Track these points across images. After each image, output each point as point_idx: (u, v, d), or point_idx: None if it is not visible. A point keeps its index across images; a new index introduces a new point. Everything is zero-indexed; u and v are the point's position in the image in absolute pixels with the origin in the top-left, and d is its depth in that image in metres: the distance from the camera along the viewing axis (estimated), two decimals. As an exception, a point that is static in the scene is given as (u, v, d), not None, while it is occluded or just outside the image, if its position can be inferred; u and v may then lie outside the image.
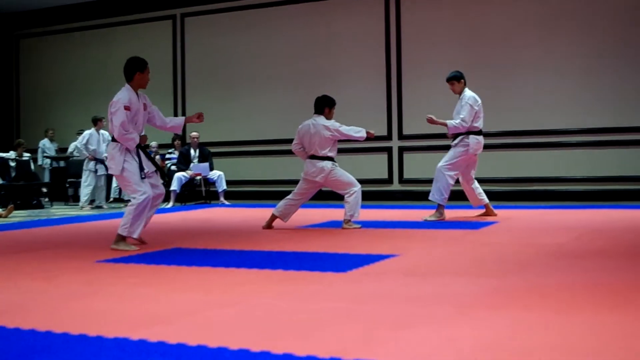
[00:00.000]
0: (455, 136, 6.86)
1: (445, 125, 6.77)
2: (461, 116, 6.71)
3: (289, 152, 7.00)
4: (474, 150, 6.80)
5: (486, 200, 7.08)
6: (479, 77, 9.75)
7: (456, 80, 6.86)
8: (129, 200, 10.41)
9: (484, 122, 7.01)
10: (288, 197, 6.51)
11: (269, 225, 6.47)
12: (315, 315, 2.82)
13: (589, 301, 2.97)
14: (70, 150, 12.70)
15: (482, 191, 7.08)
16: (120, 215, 8.90)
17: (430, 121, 6.74)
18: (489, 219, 6.89)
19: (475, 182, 7.08)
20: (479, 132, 6.84)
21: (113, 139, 5.23)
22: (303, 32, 11.10)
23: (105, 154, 10.74)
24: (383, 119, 10.49)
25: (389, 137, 10.51)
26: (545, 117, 9.48)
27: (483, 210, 7.20)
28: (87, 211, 9.95)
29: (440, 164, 6.85)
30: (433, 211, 6.98)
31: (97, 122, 10.67)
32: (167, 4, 12.28)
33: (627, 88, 9.20)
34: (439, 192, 6.78)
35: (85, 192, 10.46)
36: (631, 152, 9.20)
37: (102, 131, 10.66)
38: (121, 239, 5.11)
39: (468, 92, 6.83)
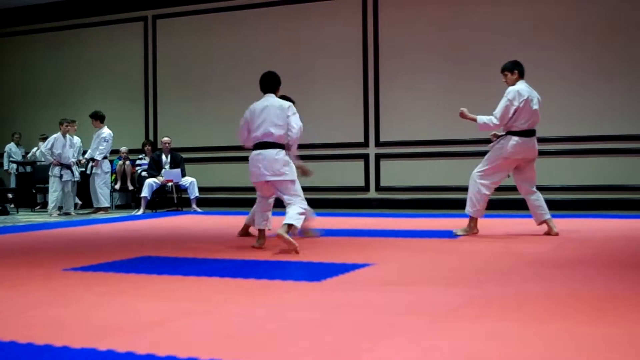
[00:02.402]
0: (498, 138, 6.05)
1: (475, 120, 5.97)
2: (494, 111, 5.90)
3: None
4: (509, 154, 5.87)
5: (545, 216, 6.02)
6: (458, 84, 9.83)
7: (508, 71, 6.02)
8: (100, 209, 10.41)
9: (547, 125, 6.13)
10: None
11: (245, 233, 6.34)
12: (288, 325, 2.77)
13: (568, 311, 2.96)
14: (30, 154, 12.46)
15: (541, 204, 6.03)
16: (89, 222, 8.79)
17: (462, 115, 6.01)
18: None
19: (535, 195, 6.06)
20: (522, 134, 5.90)
21: (281, 146, 5.31)
22: (279, 36, 11.06)
23: (72, 159, 10.68)
24: (360, 125, 10.49)
25: (365, 144, 10.50)
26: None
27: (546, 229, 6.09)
28: (54, 218, 9.77)
29: (475, 170, 6.06)
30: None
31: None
32: (138, 6, 12.15)
33: (607, 97, 9.29)
34: (470, 203, 5.97)
35: (52, 198, 10.28)
36: (613, 161, 9.28)
37: (69, 135, 10.49)
38: (290, 229, 5.17)
39: (515, 86, 5.92)
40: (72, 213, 10.38)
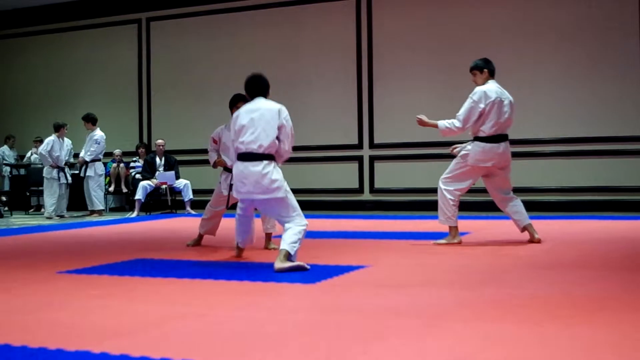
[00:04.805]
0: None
1: (436, 126, 5.50)
2: (458, 113, 5.42)
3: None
4: (475, 162, 5.38)
5: (524, 222, 5.52)
6: (452, 86, 9.83)
7: (477, 70, 5.54)
8: (94, 211, 10.39)
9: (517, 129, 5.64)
10: None
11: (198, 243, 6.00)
12: (283, 327, 2.78)
13: (562, 313, 2.97)
14: (25, 159, 12.39)
15: (518, 210, 5.51)
16: (83, 225, 8.77)
17: (420, 122, 5.58)
18: (463, 229, 5.94)
19: (513, 201, 5.53)
20: (489, 139, 5.37)
21: (269, 157, 4.49)
22: (273, 38, 11.06)
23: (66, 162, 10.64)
24: (354, 127, 10.50)
25: (359, 146, 10.51)
26: (519, 127, 9.47)
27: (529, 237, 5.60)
28: (49, 221, 9.74)
29: (442, 175, 5.61)
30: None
31: (59, 129, 10.47)
32: (132, 8, 12.12)
33: (601, 98, 9.30)
34: (441, 212, 5.50)
35: (51, 201, 10.23)
36: (604, 163, 9.29)
37: (63, 138, 10.48)
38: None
39: (483, 86, 5.45)
40: (66, 215, 10.34)
